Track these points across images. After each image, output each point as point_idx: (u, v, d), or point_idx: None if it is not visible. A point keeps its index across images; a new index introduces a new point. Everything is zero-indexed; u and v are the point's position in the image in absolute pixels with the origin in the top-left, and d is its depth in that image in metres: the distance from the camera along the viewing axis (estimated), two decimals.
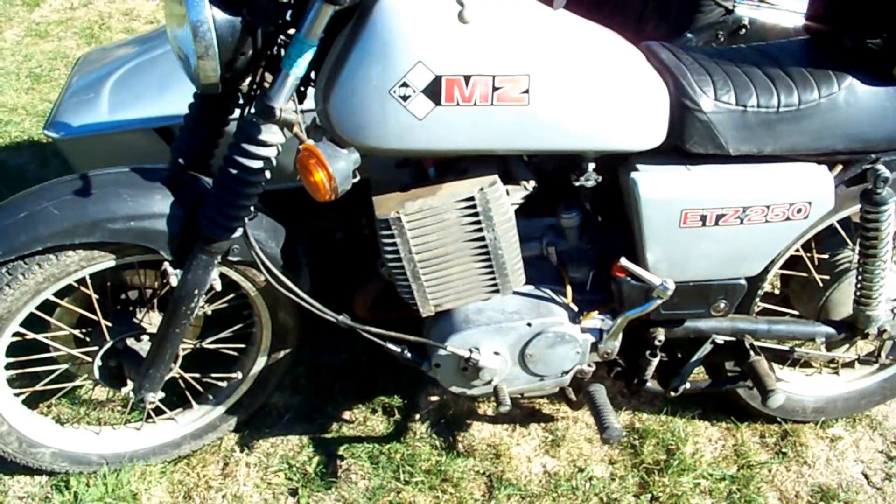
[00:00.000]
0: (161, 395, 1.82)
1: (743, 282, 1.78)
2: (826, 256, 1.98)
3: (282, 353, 1.98)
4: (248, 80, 1.60)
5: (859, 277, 1.84)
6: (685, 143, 1.62)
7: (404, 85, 1.45)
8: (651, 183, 1.61)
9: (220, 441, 2.08)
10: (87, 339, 1.79)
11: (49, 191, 1.56)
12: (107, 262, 1.63)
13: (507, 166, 1.73)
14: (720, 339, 1.87)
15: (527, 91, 1.49)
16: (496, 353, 1.75)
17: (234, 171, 1.51)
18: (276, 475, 2.02)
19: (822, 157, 1.69)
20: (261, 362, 1.98)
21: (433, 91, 1.46)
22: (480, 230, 1.64)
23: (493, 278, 1.71)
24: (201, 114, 1.67)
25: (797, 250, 1.92)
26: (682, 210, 1.63)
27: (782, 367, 2.15)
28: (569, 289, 1.78)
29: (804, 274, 1.98)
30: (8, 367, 1.76)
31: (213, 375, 1.99)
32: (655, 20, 2.28)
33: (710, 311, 1.80)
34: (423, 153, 1.56)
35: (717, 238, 1.68)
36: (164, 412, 2.01)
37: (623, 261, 1.68)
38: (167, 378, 1.84)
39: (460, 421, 2.18)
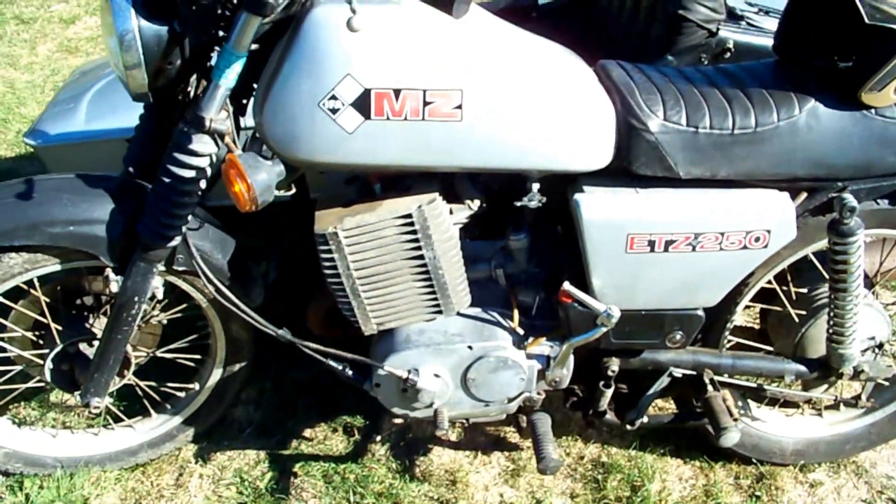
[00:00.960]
0: (108, 400, 1.82)
1: (700, 312, 1.70)
2: (804, 290, 1.88)
3: (237, 367, 1.96)
4: (188, 90, 1.60)
5: (831, 313, 1.74)
6: (632, 164, 1.55)
7: (333, 98, 1.43)
8: (595, 205, 1.55)
9: (178, 451, 2.07)
10: (41, 341, 1.80)
11: None
12: (51, 265, 1.65)
13: (453, 184, 1.69)
14: (678, 373, 1.78)
15: (459, 106, 1.45)
16: (436, 376, 1.70)
17: (168, 181, 1.51)
18: (227, 488, 2.00)
19: (783, 184, 1.60)
20: (216, 374, 1.97)
21: (362, 105, 1.44)
22: (419, 248, 1.60)
23: (436, 298, 1.67)
24: (149, 123, 1.68)
25: (769, 282, 1.83)
26: (628, 234, 1.56)
27: (759, 406, 2.04)
28: (515, 313, 1.72)
29: (779, 308, 1.88)
30: None
31: (170, 385, 1.98)
32: (637, 42, 2.22)
33: (666, 341, 1.72)
34: (354, 168, 1.53)
35: (668, 265, 1.60)
36: (121, 419, 2.02)
37: (566, 285, 1.61)
38: (120, 385, 1.85)
39: (421, 444, 2.12)
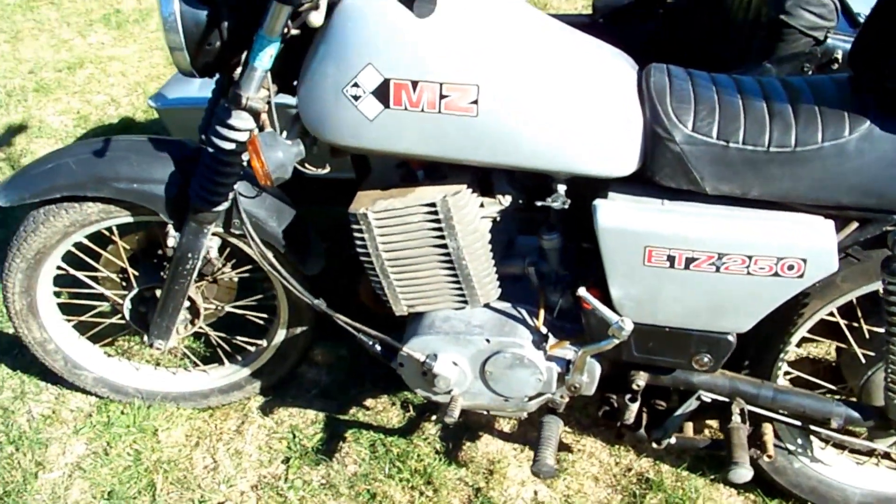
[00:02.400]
0: (174, 344, 2.00)
1: (730, 338, 1.60)
2: (876, 329, 1.71)
3: (299, 329, 2.09)
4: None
5: (887, 359, 1.57)
6: (655, 174, 1.49)
7: (355, 85, 1.49)
8: (613, 212, 1.50)
9: (247, 401, 2.25)
10: (124, 284, 2.03)
11: (74, 149, 1.81)
12: (123, 217, 1.85)
13: (489, 178, 1.70)
14: (707, 397, 1.69)
15: (475, 101, 1.46)
16: (454, 364, 1.73)
17: (211, 151, 1.64)
18: (279, 442, 2.14)
19: (828, 211, 1.47)
20: (281, 334, 2.11)
21: (382, 93, 1.49)
22: (443, 238, 1.63)
23: (461, 288, 1.69)
24: (218, 95, 1.82)
25: (832, 315, 1.68)
26: (646, 246, 1.50)
27: (824, 447, 1.88)
28: (542, 312, 1.71)
29: (844, 346, 1.73)
30: (61, 296, 2.06)
31: (240, 339, 2.15)
32: (741, 46, 2.08)
33: (692, 363, 1.64)
34: (375, 152, 1.58)
35: (689, 283, 1.52)
36: (198, 364, 2.22)
37: (581, 290, 1.58)
38: (191, 332, 2.04)
39: (472, 431, 2.16)
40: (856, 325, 1.72)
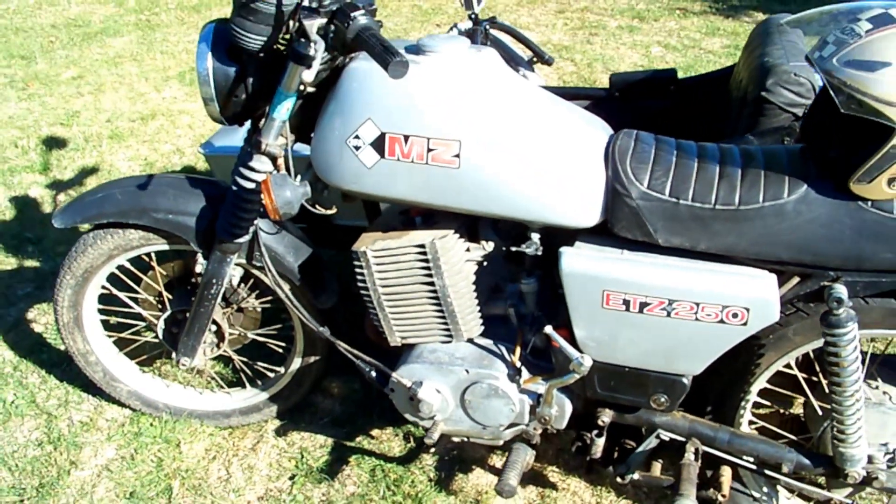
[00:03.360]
0: (200, 363, 2.23)
1: (684, 380, 1.74)
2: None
3: (313, 358, 2.30)
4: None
5: (831, 409, 1.69)
6: (614, 226, 1.67)
7: (356, 137, 1.72)
8: (575, 259, 1.68)
9: (264, 424, 2.45)
10: (160, 306, 2.28)
11: (122, 182, 2.08)
12: (160, 244, 2.10)
13: (475, 224, 1.90)
14: (665, 435, 1.82)
15: (457, 155, 1.68)
16: (437, 391, 1.91)
17: (235, 189, 1.89)
18: (288, 460, 2.34)
19: (771, 265, 1.62)
20: (297, 362, 2.32)
21: (379, 145, 1.71)
22: (431, 276, 1.83)
23: (447, 323, 1.88)
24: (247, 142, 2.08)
25: (788, 367, 1.81)
26: (604, 290, 1.67)
27: (790, 497, 1.98)
28: (518, 349, 1.88)
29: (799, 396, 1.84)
30: (105, 313, 2.32)
31: (260, 364, 2.37)
32: (731, 121, 2.25)
33: (650, 402, 1.78)
34: (373, 197, 1.80)
35: (643, 326, 1.68)
36: (223, 386, 2.45)
37: (548, 329, 1.75)
38: (216, 355, 2.27)
39: (465, 463, 2.31)
40: (814, 378, 1.84)
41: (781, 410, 2.02)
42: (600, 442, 1.89)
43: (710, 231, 1.61)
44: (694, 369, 1.72)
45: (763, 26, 2.45)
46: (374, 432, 2.44)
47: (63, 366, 2.64)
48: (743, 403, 1.87)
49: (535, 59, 2.86)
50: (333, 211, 1.93)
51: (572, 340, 1.76)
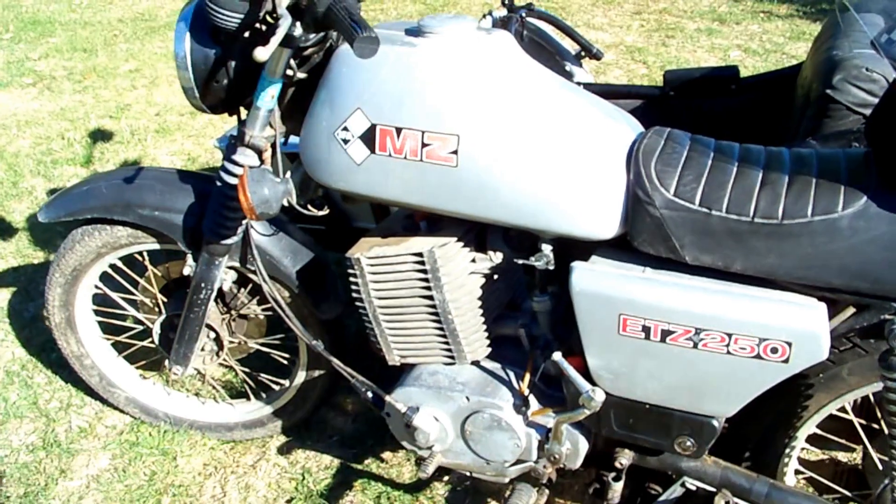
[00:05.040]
0: (189, 371, 2.06)
1: (715, 423, 1.48)
2: None
3: (317, 372, 2.11)
4: None
5: (890, 464, 1.41)
6: (635, 239, 1.42)
7: (345, 129, 1.53)
8: (588, 276, 1.44)
9: (269, 439, 2.28)
10: (156, 309, 2.13)
11: (109, 175, 1.94)
12: (150, 243, 1.95)
13: (484, 232, 1.67)
14: (691, 484, 1.56)
15: (455, 152, 1.46)
16: (436, 419, 1.69)
17: (219, 185, 1.72)
18: (289, 481, 2.16)
19: (821, 292, 1.35)
20: (301, 375, 2.14)
21: (369, 138, 1.51)
22: (430, 289, 1.62)
23: (449, 344, 1.67)
24: None
25: (843, 410, 1.53)
26: (620, 314, 1.42)
27: None
28: (527, 376, 1.65)
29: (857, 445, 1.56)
30: (100, 315, 2.19)
31: (263, 376, 2.20)
32: (795, 122, 1.96)
33: (675, 445, 1.52)
34: (363, 197, 1.60)
35: (665, 358, 1.43)
36: (226, 398, 2.29)
37: (557, 355, 1.51)
38: (215, 363, 2.10)
39: (482, 495, 2.09)
40: (875, 426, 1.56)
41: (837, 459, 1.73)
42: (618, 486, 1.64)
43: (746, 248, 1.35)
44: (726, 411, 1.46)
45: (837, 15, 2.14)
46: (385, 455, 2.24)
47: (70, 367, 2.52)
48: (788, 451, 1.60)
49: (582, 53, 2.61)
50: (326, 212, 1.74)
51: (585, 370, 1.52)
